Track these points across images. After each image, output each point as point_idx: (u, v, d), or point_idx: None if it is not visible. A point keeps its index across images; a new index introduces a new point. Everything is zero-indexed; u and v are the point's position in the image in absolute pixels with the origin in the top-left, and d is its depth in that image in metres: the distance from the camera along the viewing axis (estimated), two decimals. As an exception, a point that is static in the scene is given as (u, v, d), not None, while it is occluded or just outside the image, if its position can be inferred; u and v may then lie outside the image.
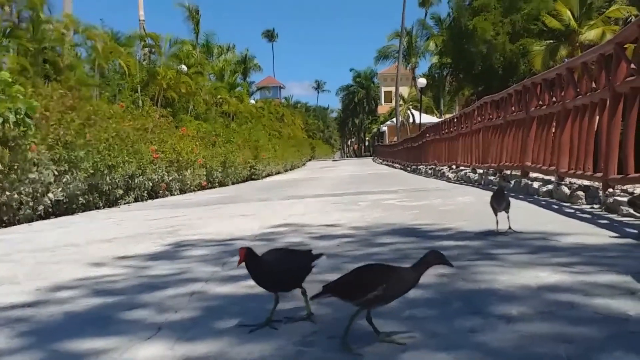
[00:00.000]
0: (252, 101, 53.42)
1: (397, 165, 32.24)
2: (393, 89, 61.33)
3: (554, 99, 8.59)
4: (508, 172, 10.68)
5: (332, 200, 9.18)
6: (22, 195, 8.33)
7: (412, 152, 27.27)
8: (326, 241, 4.68)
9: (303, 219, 6.54)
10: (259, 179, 23.91)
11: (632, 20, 16.21)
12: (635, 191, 5.87)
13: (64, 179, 9.28)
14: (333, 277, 3.31)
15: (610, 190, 6.03)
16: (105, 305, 2.97)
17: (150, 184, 12.89)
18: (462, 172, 13.75)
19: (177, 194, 14.52)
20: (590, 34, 32.41)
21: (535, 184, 8.28)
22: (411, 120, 60.81)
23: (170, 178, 14.17)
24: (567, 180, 7.58)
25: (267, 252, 2.40)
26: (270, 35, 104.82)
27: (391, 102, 70.49)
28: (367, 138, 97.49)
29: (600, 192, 6.28)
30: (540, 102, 9.14)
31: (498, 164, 11.16)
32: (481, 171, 12.31)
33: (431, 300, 2.66)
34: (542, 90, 9.18)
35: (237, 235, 5.46)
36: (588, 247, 3.80)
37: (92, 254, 4.72)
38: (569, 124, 7.74)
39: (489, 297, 2.66)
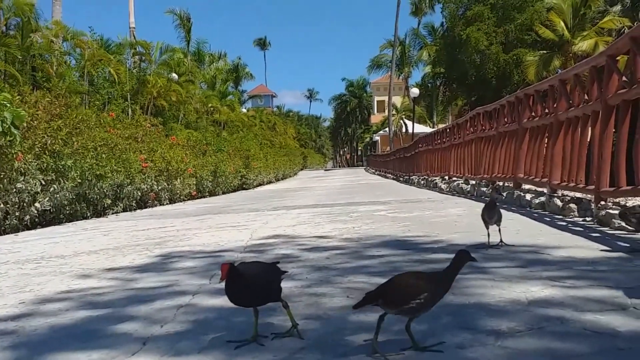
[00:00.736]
0: (244, 110, 53.59)
1: (390, 175, 32.25)
2: (386, 98, 61.34)
3: (546, 111, 8.60)
4: (500, 183, 10.68)
5: (323, 211, 9.15)
6: (8, 205, 8.26)
7: (404, 162, 27.27)
8: (316, 253, 4.65)
9: (294, 230, 6.51)
10: (250, 188, 23.88)
11: (625, 31, 16.31)
12: (627, 204, 5.87)
13: (51, 189, 9.20)
14: (323, 290, 3.30)
15: (603, 202, 6.02)
16: (91, 318, 2.93)
17: (139, 194, 12.81)
18: (455, 183, 13.74)
19: (167, 203, 14.45)
20: (583, 45, 32.53)
21: (528, 196, 8.28)
22: (404, 130, 60.90)
23: (159, 187, 14.09)
24: (560, 192, 7.57)
25: (240, 264, 2.34)
26: (262, 44, 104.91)
27: (384, 111, 70.53)
28: (359, 148, 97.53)
29: (593, 205, 6.27)
30: (533, 114, 9.15)
31: (490, 175, 11.15)
32: (474, 182, 12.30)
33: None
34: (534, 102, 9.19)
35: (226, 246, 5.42)
36: (579, 260, 3.78)
37: (78, 266, 4.67)
38: (561, 136, 7.75)
39: (479, 311, 2.64)
